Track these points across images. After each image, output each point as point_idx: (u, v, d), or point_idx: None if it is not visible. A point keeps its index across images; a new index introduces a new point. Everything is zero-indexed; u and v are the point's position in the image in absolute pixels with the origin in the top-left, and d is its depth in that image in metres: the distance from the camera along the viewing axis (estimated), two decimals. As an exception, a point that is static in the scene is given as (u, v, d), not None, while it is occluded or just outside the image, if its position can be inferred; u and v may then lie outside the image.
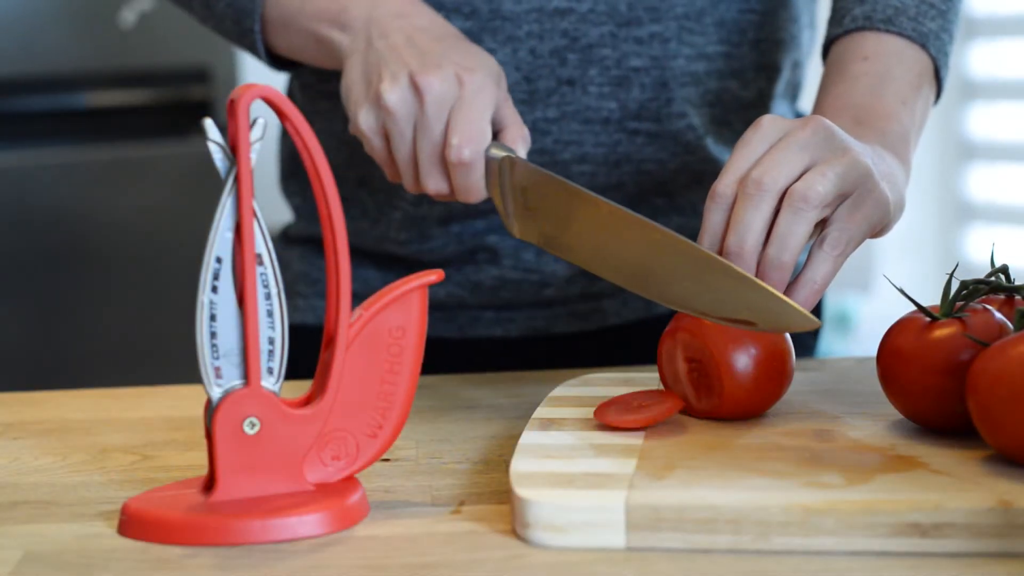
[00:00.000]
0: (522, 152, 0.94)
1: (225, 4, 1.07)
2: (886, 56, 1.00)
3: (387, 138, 0.95)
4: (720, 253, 0.87)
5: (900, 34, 1.01)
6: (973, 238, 3.15)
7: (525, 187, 0.92)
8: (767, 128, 0.89)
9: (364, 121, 0.95)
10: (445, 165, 0.94)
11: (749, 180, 0.86)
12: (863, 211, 0.88)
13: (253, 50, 1.08)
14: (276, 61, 1.10)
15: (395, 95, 0.93)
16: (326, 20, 1.01)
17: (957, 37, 1.05)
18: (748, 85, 1.14)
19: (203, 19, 1.12)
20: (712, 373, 0.85)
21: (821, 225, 0.88)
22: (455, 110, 0.93)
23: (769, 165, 0.86)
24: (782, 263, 0.86)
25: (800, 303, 0.87)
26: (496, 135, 0.95)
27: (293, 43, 1.06)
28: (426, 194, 1.12)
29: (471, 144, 0.92)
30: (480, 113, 0.93)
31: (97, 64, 2.39)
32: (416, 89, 0.93)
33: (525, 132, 0.96)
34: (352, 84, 0.97)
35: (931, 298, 0.86)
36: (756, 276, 0.87)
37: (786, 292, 0.87)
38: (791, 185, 0.86)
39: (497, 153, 0.93)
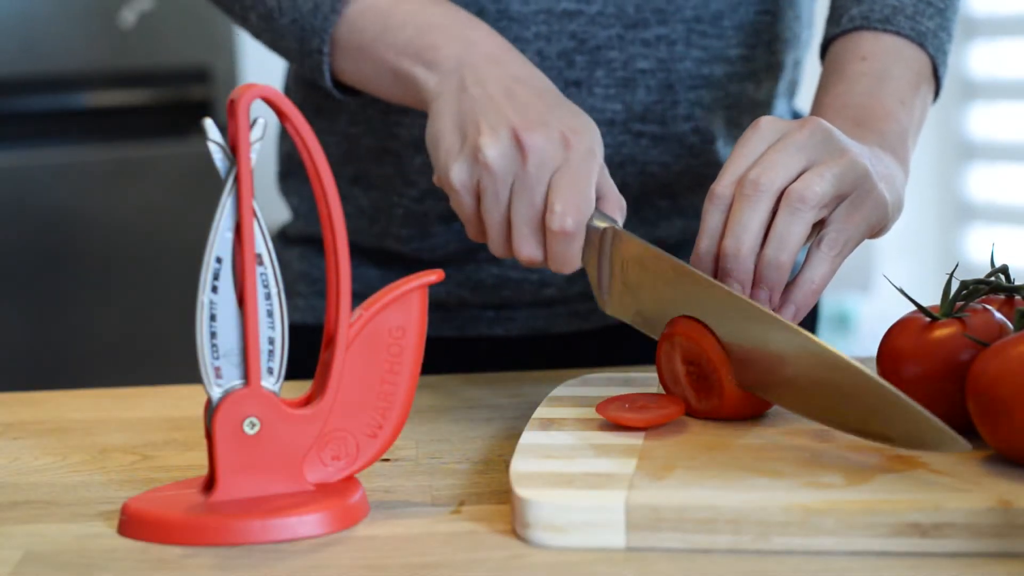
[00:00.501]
0: (620, 222, 0.90)
1: (290, 20, 1.01)
2: (884, 55, 1.00)
3: (478, 196, 0.90)
4: (717, 254, 0.87)
5: (898, 33, 1.01)
6: (973, 238, 3.15)
7: (627, 261, 0.88)
8: (765, 129, 0.89)
9: (457, 175, 0.89)
10: (542, 231, 0.89)
11: (747, 181, 0.86)
12: (861, 212, 0.88)
13: (316, 73, 1.01)
14: (339, 87, 1.03)
15: (495, 151, 0.88)
16: (410, 54, 0.95)
17: (955, 35, 1.05)
18: (761, 85, 1.14)
19: (258, 32, 1.05)
20: (711, 375, 0.85)
21: (819, 226, 0.88)
22: (560, 174, 0.88)
23: (767, 166, 0.86)
24: (780, 263, 0.85)
25: (798, 304, 0.87)
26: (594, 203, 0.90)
27: (365, 73, 0.99)
28: (429, 190, 1.12)
29: (576, 213, 0.87)
30: (587, 180, 0.88)
31: (97, 64, 2.39)
32: (520, 146, 0.88)
33: (623, 203, 0.91)
34: (442, 132, 0.91)
35: (931, 298, 0.86)
36: (754, 277, 0.87)
37: (784, 292, 0.87)
38: (789, 186, 0.86)
39: (599, 224, 0.88)
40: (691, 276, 0.85)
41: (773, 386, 0.82)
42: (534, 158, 0.88)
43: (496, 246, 0.91)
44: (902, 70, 1.00)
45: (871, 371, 0.77)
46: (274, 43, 1.04)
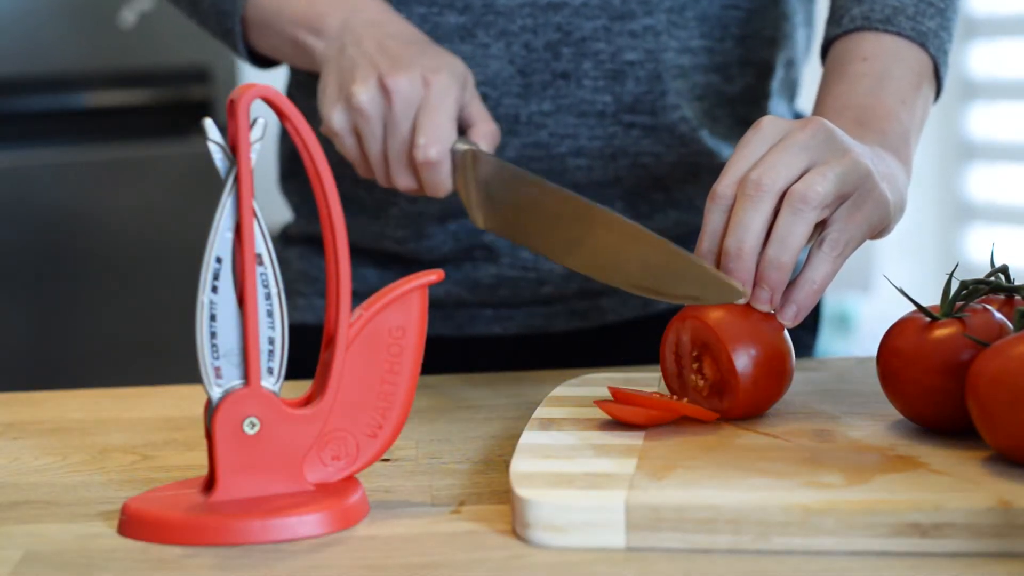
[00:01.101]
0: (487, 148, 0.99)
1: (209, 3, 1.11)
2: (885, 56, 1.00)
3: (359, 137, 0.99)
4: (719, 254, 0.87)
5: (899, 33, 1.01)
6: (973, 238, 3.15)
7: (487, 179, 0.96)
8: (767, 129, 0.89)
9: (337, 120, 0.99)
10: (413, 163, 0.98)
11: (748, 181, 0.86)
12: (863, 212, 0.88)
13: (235, 49, 1.12)
14: (258, 60, 1.13)
15: (366, 95, 0.98)
16: (303, 26, 1.05)
17: (956, 34, 1.05)
18: (733, 80, 1.14)
19: (189, 15, 1.15)
20: (725, 377, 0.85)
21: (821, 226, 0.88)
22: (420, 110, 0.98)
23: (768, 166, 0.86)
24: (781, 263, 0.86)
25: (799, 303, 0.87)
26: (465, 132, 1.00)
27: (272, 44, 1.09)
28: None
29: (437, 143, 0.97)
30: (445, 113, 0.97)
31: (97, 64, 2.39)
32: (385, 90, 0.98)
33: (491, 127, 1.00)
34: (325, 87, 1.01)
35: (931, 298, 0.86)
36: (756, 276, 0.87)
37: (785, 292, 0.87)
38: (791, 186, 0.86)
39: (461, 147, 0.97)
40: (538, 184, 0.92)
41: (596, 263, 0.90)
42: (398, 99, 0.97)
43: (380, 179, 1.01)
44: (903, 70, 1.00)
45: (664, 239, 0.85)
46: (202, 24, 1.14)
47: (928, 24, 1.02)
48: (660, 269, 0.87)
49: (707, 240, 0.88)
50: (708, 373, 0.87)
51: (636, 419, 0.84)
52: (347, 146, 1.01)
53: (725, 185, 0.88)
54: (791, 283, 0.87)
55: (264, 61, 1.14)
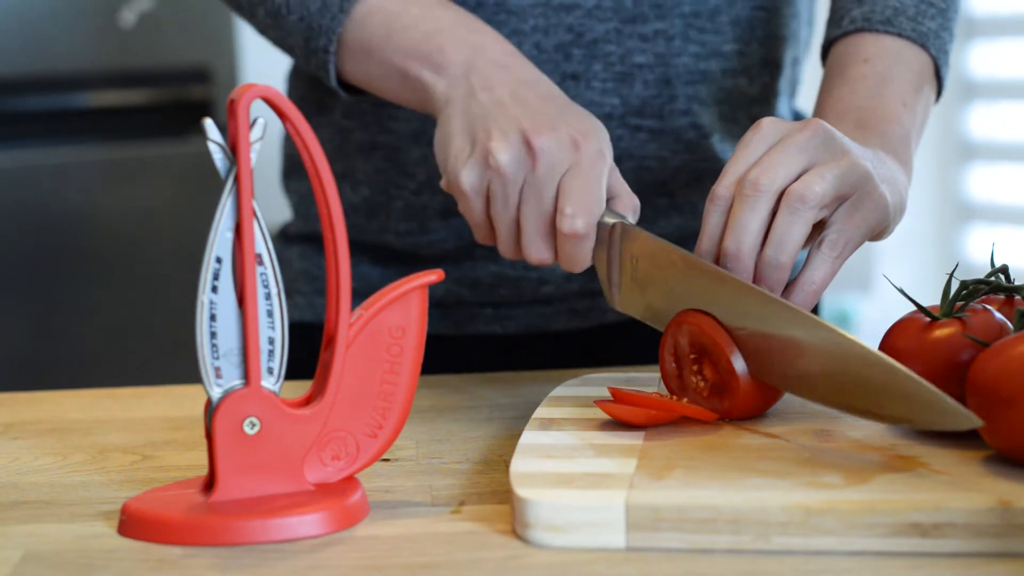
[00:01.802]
0: (632, 221, 0.90)
1: (297, 17, 1.01)
2: (886, 57, 1.00)
3: (488, 199, 0.91)
4: (718, 254, 0.87)
5: (899, 35, 1.01)
6: (973, 238, 3.15)
7: (637, 256, 0.88)
8: (766, 130, 0.89)
9: (467, 179, 0.90)
10: (552, 232, 0.90)
11: (746, 181, 0.86)
12: (862, 213, 0.88)
13: (321, 72, 1.02)
14: (344, 87, 1.03)
15: (507, 155, 0.88)
16: (417, 58, 0.95)
17: (957, 34, 1.05)
18: (754, 81, 1.14)
19: (264, 28, 1.06)
20: (720, 362, 0.85)
21: (820, 227, 0.88)
22: (569, 176, 0.88)
23: (767, 166, 0.86)
24: (780, 264, 0.86)
25: (798, 304, 0.87)
26: (608, 203, 0.91)
27: (372, 73, 0.99)
28: (428, 183, 1.12)
29: (586, 214, 0.88)
30: (597, 181, 0.88)
31: (97, 64, 2.39)
32: (530, 149, 0.88)
33: (636, 202, 0.91)
34: (452, 137, 0.92)
35: (931, 298, 0.86)
36: (755, 277, 0.87)
37: (784, 293, 0.87)
38: (789, 186, 0.86)
39: (608, 220, 0.89)
40: (701, 268, 0.86)
41: (785, 374, 0.83)
42: (544, 161, 0.88)
43: (506, 248, 0.92)
44: (904, 72, 1.00)
45: (884, 355, 0.78)
46: (280, 40, 1.04)
47: (929, 25, 1.02)
48: (860, 385, 0.78)
49: (706, 241, 0.88)
50: (708, 375, 0.87)
51: (636, 419, 0.84)
52: (473, 208, 0.91)
53: (724, 186, 0.88)
54: (790, 284, 0.87)
55: (351, 89, 1.03)
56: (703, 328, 0.86)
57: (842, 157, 0.87)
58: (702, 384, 0.87)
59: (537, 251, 0.90)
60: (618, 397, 0.86)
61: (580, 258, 0.89)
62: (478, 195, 0.91)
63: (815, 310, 1.23)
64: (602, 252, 0.90)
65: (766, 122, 0.89)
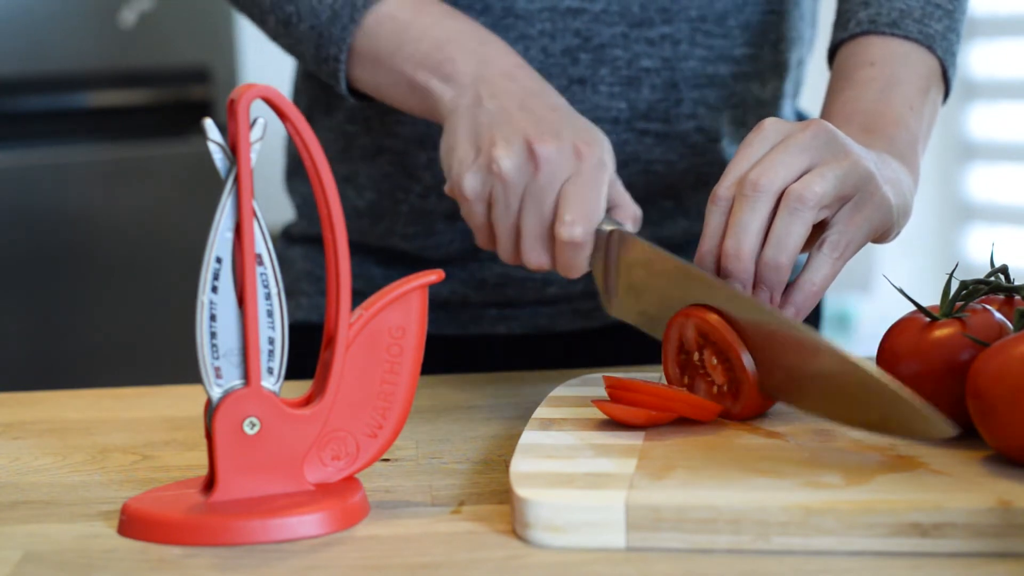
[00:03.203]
0: (631, 230, 0.92)
1: (308, 26, 1.02)
2: (893, 60, 1.00)
3: (490, 205, 0.92)
4: (719, 255, 0.87)
5: (906, 37, 1.00)
6: (973, 238, 3.15)
7: (633, 263, 0.89)
8: (768, 130, 0.89)
9: (470, 185, 0.91)
10: (551, 239, 0.91)
11: (747, 181, 0.86)
12: (864, 214, 0.88)
13: (332, 79, 1.03)
14: (355, 94, 1.04)
15: (510, 161, 0.90)
16: (427, 67, 0.97)
17: (964, 35, 1.05)
18: (766, 85, 1.14)
19: (275, 36, 1.06)
20: (736, 375, 0.85)
21: (822, 228, 0.88)
22: (570, 184, 0.90)
23: (767, 166, 0.86)
24: (779, 264, 0.86)
25: (798, 305, 0.87)
26: (606, 212, 0.92)
27: (381, 82, 1.00)
28: (434, 187, 1.12)
29: (585, 222, 0.89)
30: (597, 190, 0.90)
31: (97, 64, 2.39)
32: (532, 157, 0.90)
33: (636, 211, 0.93)
34: (457, 143, 0.93)
35: (931, 298, 0.86)
36: (755, 277, 0.87)
37: (784, 294, 0.87)
38: (789, 186, 0.86)
39: (605, 227, 0.90)
40: (696, 276, 0.86)
41: (770, 380, 0.83)
42: (546, 168, 0.90)
43: (505, 253, 0.93)
44: (911, 75, 1.00)
45: (872, 365, 0.78)
46: (291, 47, 1.05)
47: (935, 27, 1.01)
48: (847, 390, 0.79)
49: (707, 241, 0.88)
50: (714, 372, 0.87)
51: (634, 419, 0.84)
52: (475, 213, 0.92)
53: (725, 187, 0.88)
54: (790, 284, 0.87)
55: (361, 96, 1.04)
56: (710, 322, 0.85)
57: (844, 157, 0.87)
58: (708, 382, 0.87)
59: (536, 257, 0.91)
60: (615, 385, 0.85)
61: (577, 264, 0.91)
62: (480, 200, 0.92)
63: (816, 311, 1.24)
64: (599, 259, 0.91)
65: (768, 122, 0.89)
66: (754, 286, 0.87)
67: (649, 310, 0.90)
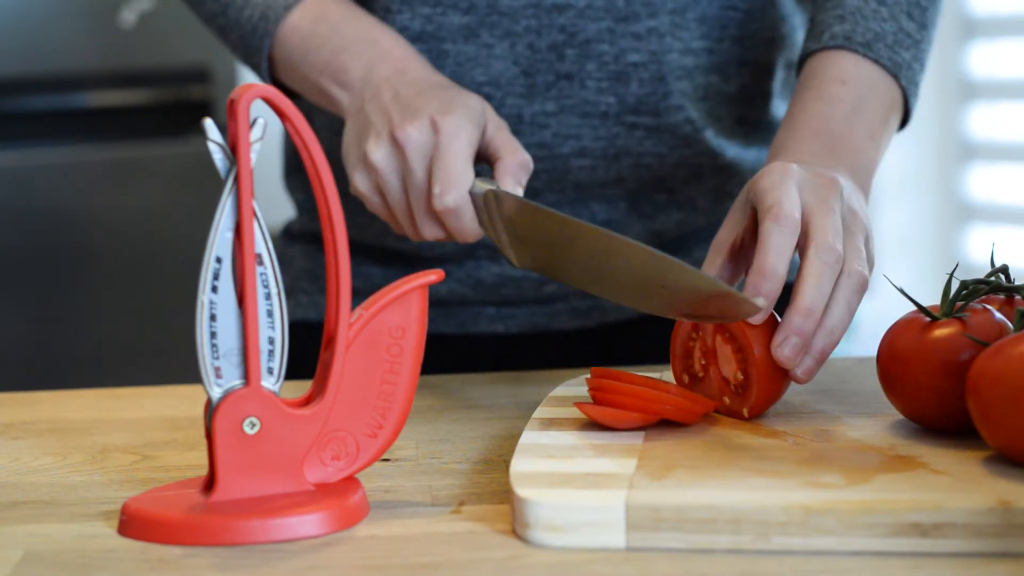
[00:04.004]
0: (515, 180, 0.95)
1: (237, 36, 1.09)
2: (862, 84, 1.02)
3: (383, 195, 0.97)
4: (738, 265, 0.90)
5: (876, 61, 1.02)
6: (973, 238, 3.15)
7: (512, 218, 0.92)
8: (784, 223, 0.88)
9: (360, 183, 0.98)
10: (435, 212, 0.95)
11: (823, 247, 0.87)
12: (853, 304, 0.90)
13: (267, 82, 1.09)
14: (290, 93, 1.10)
15: (379, 153, 0.96)
16: (328, 74, 1.03)
17: (928, 66, 1.07)
18: (730, 80, 1.14)
19: (220, 40, 1.13)
20: (747, 370, 0.85)
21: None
22: (433, 158, 0.95)
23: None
24: (834, 335, 0.87)
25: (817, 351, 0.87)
26: (492, 165, 0.97)
27: (299, 87, 1.07)
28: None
29: (453, 189, 0.94)
30: (456, 156, 0.94)
31: (97, 64, 2.39)
32: (396, 143, 0.95)
33: (520, 158, 0.96)
34: (348, 146, 1.00)
35: (931, 298, 0.86)
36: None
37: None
38: (847, 262, 0.87)
39: (481, 188, 0.94)
40: (562, 221, 0.88)
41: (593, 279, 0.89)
42: (409, 149, 0.95)
43: (409, 233, 0.98)
44: (876, 103, 1.02)
45: (678, 260, 0.82)
46: (232, 52, 1.12)
47: (904, 55, 1.03)
48: (684, 292, 0.84)
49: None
50: (726, 369, 0.87)
51: (615, 422, 0.84)
52: (375, 206, 0.99)
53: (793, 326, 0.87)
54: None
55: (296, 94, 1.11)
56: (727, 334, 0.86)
57: (864, 229, 0.90)
58: (722, 380, 0.87)
59: (429, 230, 0.97)
60: (598, 387, 0.85)
61: (465, 229, 0.95)
62: (373, 193, 0.98)
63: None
64: (486, 219, 0.94)
65: (783, 215, 0.88)
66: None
67: (539, 255, 0.93)
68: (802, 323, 0.85)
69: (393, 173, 0.96)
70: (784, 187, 0.88)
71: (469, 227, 0.95)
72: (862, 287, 0.87)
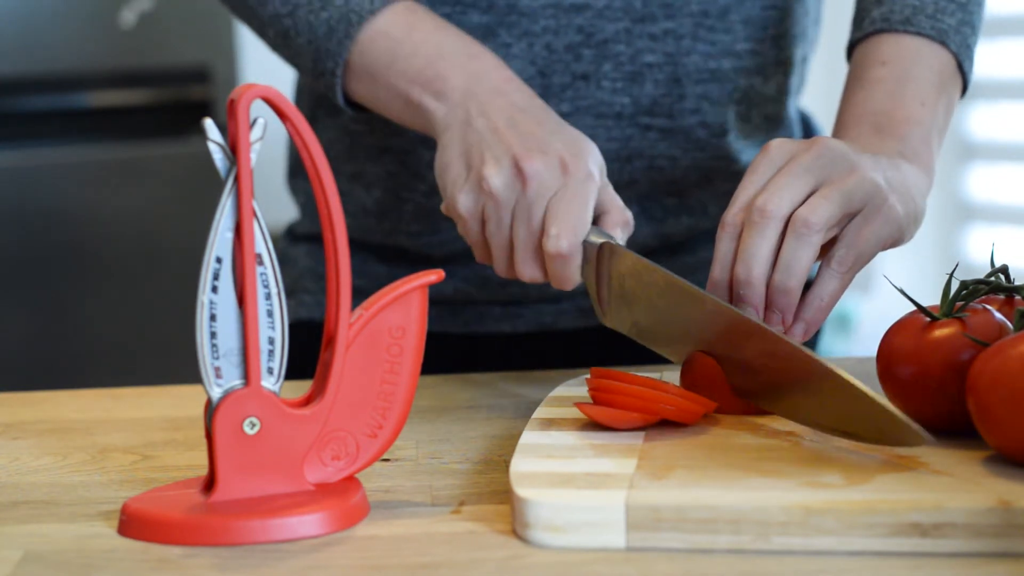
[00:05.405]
0: (621, 238, 0.92)
1: (306, 40, 1.03)
2: (905, 58, 1.00)
3: (484, 222, 0.93)
4: (730, 281, 0.88)
5: (919, 33, 1.01)
6: (973, 238, 3.15)
7: (624, 275, 0.90)
8: (774, 153, 0.89)
9: (463, 204, 0.93)
10: (541, 252, 0.92)
11: (754, 208, 0.87)
12: (871, 227, 0.89)
13: (330, 92, 1.04)
14: (352, 105, 1.05)
15: (499, 179, 0.91)
16: (419, 84, 0.98)
17: (981, 28, 1.05)
18: (769, 80, 1.14)
19: (275, 47, 1.08)
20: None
21: (833, 242, 0.89)
22: (557, 198, 0.91)
23: (773, 191, 0.87)
24: (788, 288, 0.87)
25: (808, 321, 0.88)
26: (596, 219, 0.93)
27: (378, 97, 1.02)
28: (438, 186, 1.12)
29: (570, 235, 0.90)
30: (582, 202, 0.90)
31: (97, 64, 2.39)
32: (520, 174, 0.91)
33: (627, 216, 0.93)
34: (450, 163, 0.95)
35: (931, 298, 0.86)
36: (767, 301, 0.87)
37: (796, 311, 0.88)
38: (796, 210, 0.86)
39: (595, 240, 0.90)
40: (680, 288, 0.86)
41: (753, 388, 0.85)
42: (533, 184, 0.91)
43: (501, 267, 0.94)
44: (923, 71, 1.00)
45: (842, 371, 0.78)
46: (290, 59, 1.06)
47: (948, 21, 1.02)
48: (821, 401, 0.80)
49: (718, 268, 0.88)
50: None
51: (614, 422, 0.84)
52: (471, 231, 0.94)
53: (733, 213, 0.89)
54: (800, 300, 0.88)
55: (359, 107, 1.05)
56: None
57: (849, 174, 0.87)
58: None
59: (528, 270, 0.92)
60: (599, 388, 0.85)
61: (568, 276, 0.91)
62: (474, 218, 0.93)
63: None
64: (591, 270, 0.91)
65: (774, 144, 0.90)
66: (766, 308, 0.87)
67: (640, 320, 0.90)
68: (745, 291, 0.87)
69: (508, 203, 0.91)
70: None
71: (573, 275, 0.91)
72: (810, 231, 0.85)
